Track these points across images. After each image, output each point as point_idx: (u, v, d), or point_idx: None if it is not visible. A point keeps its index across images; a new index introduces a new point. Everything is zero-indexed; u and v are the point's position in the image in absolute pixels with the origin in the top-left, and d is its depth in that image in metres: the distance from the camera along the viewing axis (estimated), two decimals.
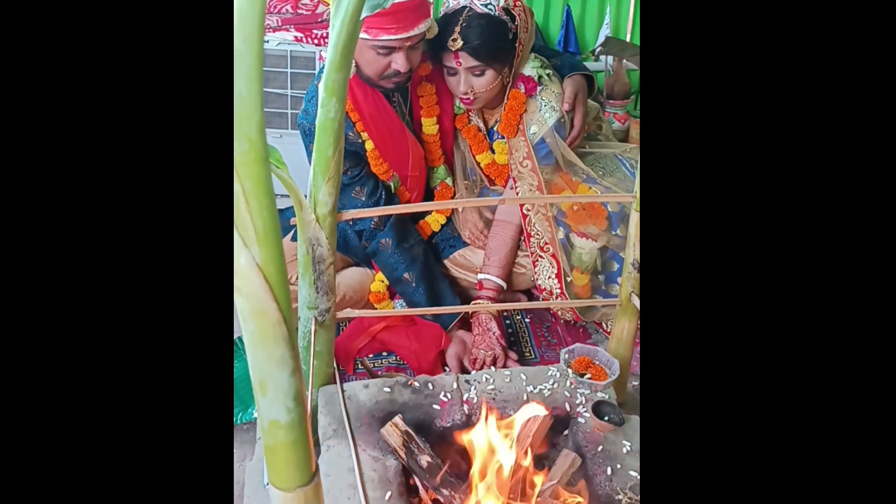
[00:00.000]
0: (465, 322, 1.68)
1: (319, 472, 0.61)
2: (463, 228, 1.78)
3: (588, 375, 1.23)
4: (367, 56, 1.48)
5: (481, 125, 1.73)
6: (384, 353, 1.66)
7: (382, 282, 1.71)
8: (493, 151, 1.73)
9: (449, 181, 1.77)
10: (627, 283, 1.26)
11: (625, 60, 2.32)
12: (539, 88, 1.62)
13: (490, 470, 0.94)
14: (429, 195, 1.78)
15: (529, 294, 1.80)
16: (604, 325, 1.73)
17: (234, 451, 1.38)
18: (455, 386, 1.20)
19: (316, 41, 2.03)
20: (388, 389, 1.19)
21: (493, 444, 0.97)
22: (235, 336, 1.57)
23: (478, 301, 1.66)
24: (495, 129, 1.70)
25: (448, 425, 1.15)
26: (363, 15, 0.91)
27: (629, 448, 1.10)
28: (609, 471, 1.06)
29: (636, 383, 1.38)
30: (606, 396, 1.19)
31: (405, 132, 1.65)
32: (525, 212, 1.66)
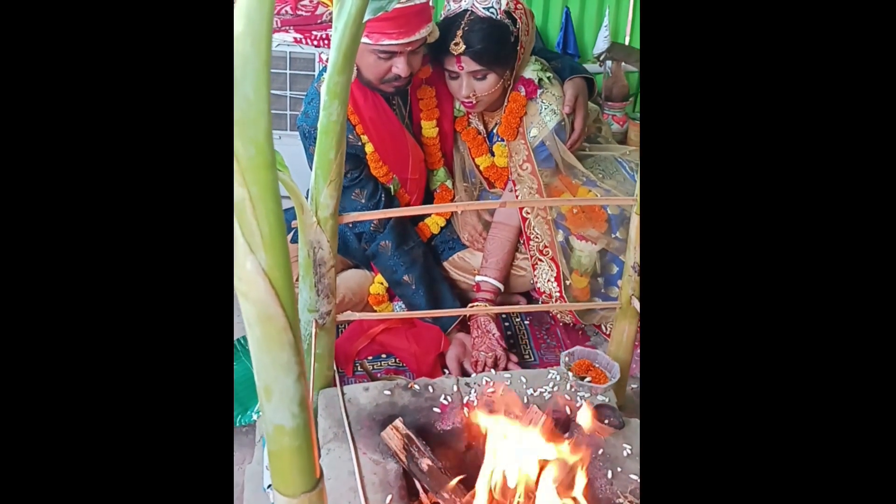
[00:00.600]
0: (465, 324, 1.68)
1: (324, 477, 0.61)
2: (462, 231, 1.78)
3: (588, 378, 1.23)
4: (368, 60, 1.48)
5: (481, 128, 1.73)
6: (383, 356, 1.66)
7: (382, 284, 1.71)
8: (492, 154, 1.73)
9: (448, 184, 1.77)
10: (628, 286, 1.26)
11: (623, 62, 2.32)
12: (539, 91, 1.62)
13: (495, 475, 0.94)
14: (428, 198, 1.78)
15: (529, 296, 1.80)
16: (603, 328, 1.73)
17: (234, 453, 1.38)
18: (455, 389, 1.20)
19: (315, 42, 2.03)
20: (388, 392, 1.19)
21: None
22: (235, 338, 1.57)
23: (475, 303, 1.66)
24: (495, 131, 1.70)
25: (448, 428, 1.15)
26: (366, 18, 0.91)
27: (629, 451, 1.10)
28: (609, 474, 1.06)
29: (636, 386, 1.38)
30: (607, 399, 1.18)
31: (405, 135, 1.65)
32: (525, 215, 1.66)
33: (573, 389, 1.20)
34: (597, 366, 1.27)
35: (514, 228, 1.68)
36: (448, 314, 1.62)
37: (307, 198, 1.06)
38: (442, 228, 1.79)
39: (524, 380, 1.22)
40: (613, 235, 1.61)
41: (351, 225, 1.66)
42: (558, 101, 1.62)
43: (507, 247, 1.68)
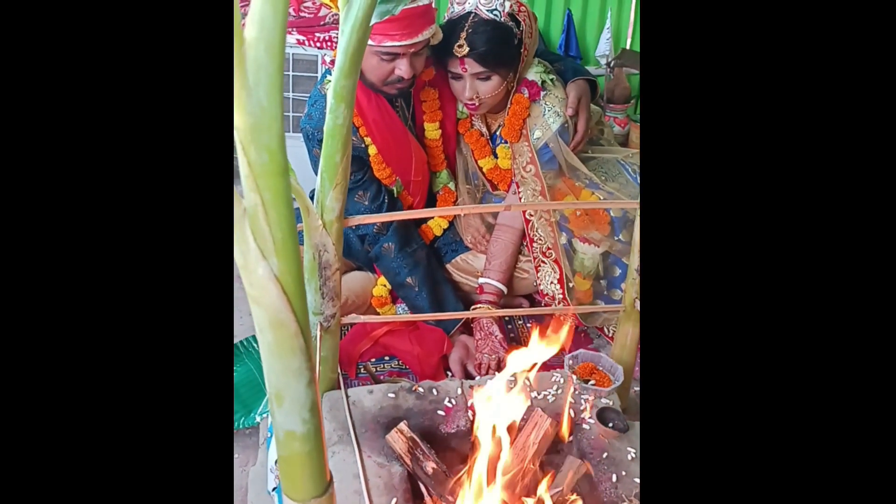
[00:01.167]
0: (468, 326, 1.68)
1: (333, 482, 0.61)
2: (465, 233, 1.78)
3: (592, 381, 1.24)
4: (371, 62, 1.48)
5: (484, 130, 1.73)
6: (386, 358, 1.66)
7: (385, 286, 1.71)
8: (495, 156, 1.73)
9: (451, 186, 1.77)
10: (631, 289, 1.26)
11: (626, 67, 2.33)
12: (543, 93, 1.62)
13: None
14: (431, 200, 1.78)
15: (531, 299, 1.80)
16: (605, 331, 1.73)
17: (237, 456, 1.38)
18: (459, 392, 1.20)
19: (318, 44, 2.03)
20: (392, 395, 1.19)
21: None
22: (238, 340, 1.57)
23: (478, 305, 1.66)
24: (498, 133, 1.70)
25: (453, 431, 1.15)
26: (373, 21, 0.91)
27: (634, 454, 1.10)
28: (614, 477, 1.07)
29: (639, 389, 1.38)
30: (610, 403, 1.19)
31: (408, 137, 1.65)
32: (528, 217, 1.66)
33: (577, 392, 1.20)
34: (600, 369, 1.27)
35: (517, 231, 1.68)
36: (451, 317, 1.62)
37: (311, 200, 1.06)
38: (445, 230, 1.79)
39: (527, 381, 1.22)
40: (616, 238, 1.61)
41: (354, 227, 1.66)
42: (561, 104, 1.62)
43: (510, 249, 1.68)
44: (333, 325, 1.15)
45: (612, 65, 2.33)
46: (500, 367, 1.57)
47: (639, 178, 1.69)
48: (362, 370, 1.61)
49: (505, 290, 1.68)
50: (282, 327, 0.53)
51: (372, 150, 1.62)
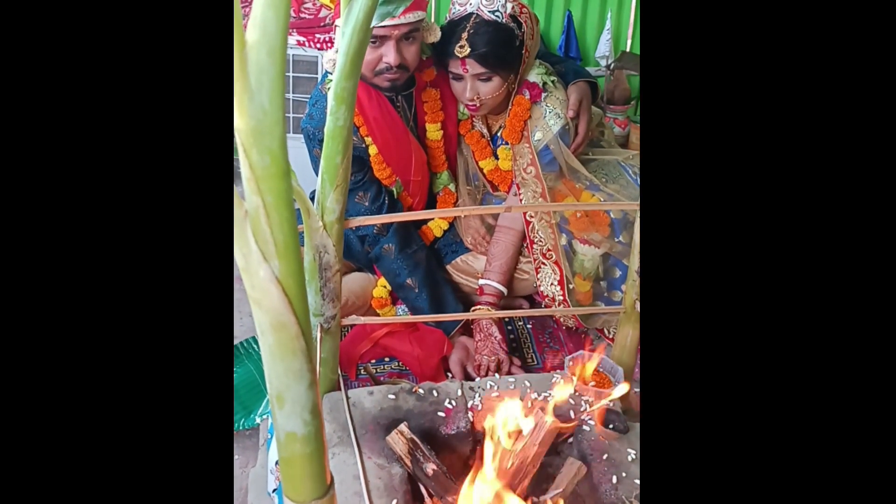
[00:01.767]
0: (468, 328, 1.68)
1: (334, 484, 0.61)
2: (465, 234, 1.78)
3: (592, 383, 1.24)
4: None
5: (485, 131, 1.73)
6: (386, 359, 1.66)
7: (385, 287, 1.71)
8: (496, 157, 1.73)
9: (451, 187, 1.77)
10: (632, 291, 1.26)
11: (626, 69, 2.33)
12: (544, 95, 1.62)
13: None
14: (431, 200, 1.78)
15: (532, 300, 1.80)
16: (605, 332, 1.73)
17: (238, 457, 1.38)
18: (459, 393, 1.20)
19: (318, 45, 2.03)
20: (392, 396, 1.19)
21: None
22: (239, 341, 1.57)
23: (478, 306, 1.66)
24: (499, 134, 1.71)
25: (453, 432, 1.15)
26: (374, 23, 0.91)
27: (634, 456, 1.10)
28: (615, 479, 1.06)
29: (640, 390, 1.39)
30: (611, 404, 1.19)
31: (409, 137, 1.65)
32: (528, 218, 1.66)
33: (577, 394, 1.20)
34: (601, 370, 1.27)
35: (517, 232, 1.68)
36: (452, 318, 1.62)
37: (312, 201, 1.06)
38: (445, 232, 1.79)
39: (528, 384, 1.22)
40: (616, 239, 1.61)
41: (354, 228, 1.66)
42: (562, 105, 1.62)
43: (510, 250, 1.68)
44: (334, 327, 1.15)
45: (611, 67, 2.33)
46: (499, 368, 1.57)
47: (639, 180, 1.69)
48: (362, 371, 1.61)
49: (505, 291, 1.68)
50: (283, 329, 0.53)
51: (372, 149, 1.62)
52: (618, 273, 1.66)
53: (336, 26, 1.63)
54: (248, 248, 0.51)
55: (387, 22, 1.40)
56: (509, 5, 1.52)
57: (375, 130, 1.60)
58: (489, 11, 1.50)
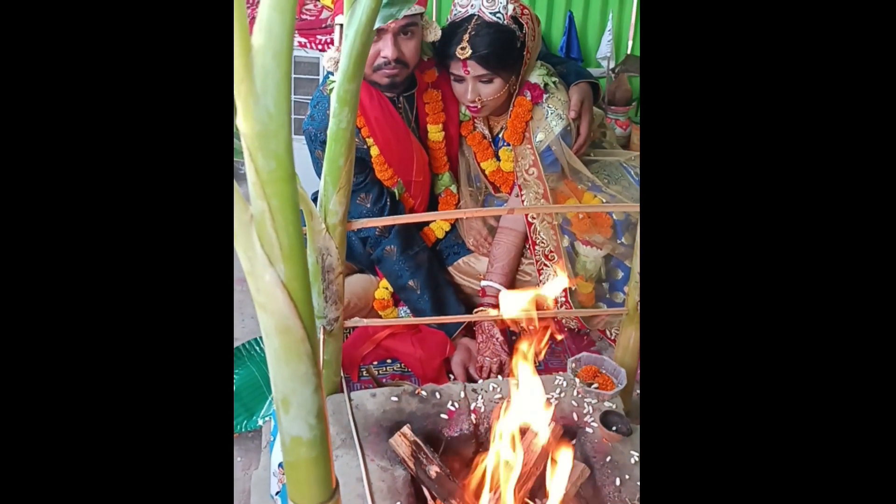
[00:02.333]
0: (470, 329, 1.68)
1: (339, 487, 0.61)
2: (467, 236, 1.78)
3: (595, 385, 1.23)
4: None
5: (486, 132, 1.73)
6: (389, 361, 1.66)
7: (387, 289, 1.71)
8: (498, 159, 1.73)
9: (453, 188, 1.77)
10: (634, 292, 1.26)
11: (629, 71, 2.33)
12: (545, 96, 1.62)
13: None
14: (433, 202, 1.78)
15: None
16: (608, 333, 1.73)
17: (240, 459, 1.38)
18: (462, 395, 1.20)
19: (320, 47, 2.03)
20: (395, 398, 1.19)
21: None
22: (241, 343, 1.57)
23: (480, 308, 1.66)
24: (501, 136, 1.70)
25: (456, 435, 1.15)
26: (376, 25, 0.91)
27: (637, 458, 1.10)
28: (618, 481, 1.06)
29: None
30: (614, 406, 1.18)
31: (410, 138, 1.65)
32: (530, 220, 1.66)
33: (580, 396, 1.20)
34: (603, 372, 1.27)
35: (519, 234, 1.68)
36: (454, 320, 1.62)
37: (314, 203, 1.06)
38: (447, 233, 1.79)
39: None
40: (619, 241, 1.61)
41: (356, 229, 1.66)
42: (564, 106, 1.62)
43: (512, 252, 1.68)
44: (336, 329, 1.15)
45: (616, 71, 2.33)
46: (501, 370, 1.57)
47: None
48: (364, 373, 1.61)
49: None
50: (288, 333, 0.53)
51: (374, 151, 1.62)
52: (620, 274, 1.66)
53: (336, 25, 1.62)
54: (254, 252, 0.51)
55: None
56: (510, 7, 1.52)
57: (377, 131, 1.60)
58: (490, 13, 1.50)
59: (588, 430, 1.15)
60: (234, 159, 0.52)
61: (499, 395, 1.19)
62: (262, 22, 0.46)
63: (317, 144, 1.59)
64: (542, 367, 1.67)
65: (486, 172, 1.75)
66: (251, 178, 0.49)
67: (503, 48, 1.50)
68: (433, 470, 1.03)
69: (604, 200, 1.61)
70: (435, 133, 1.68)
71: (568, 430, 1.15)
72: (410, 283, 1.64)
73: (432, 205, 1.78)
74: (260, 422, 1.41)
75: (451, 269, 1.78)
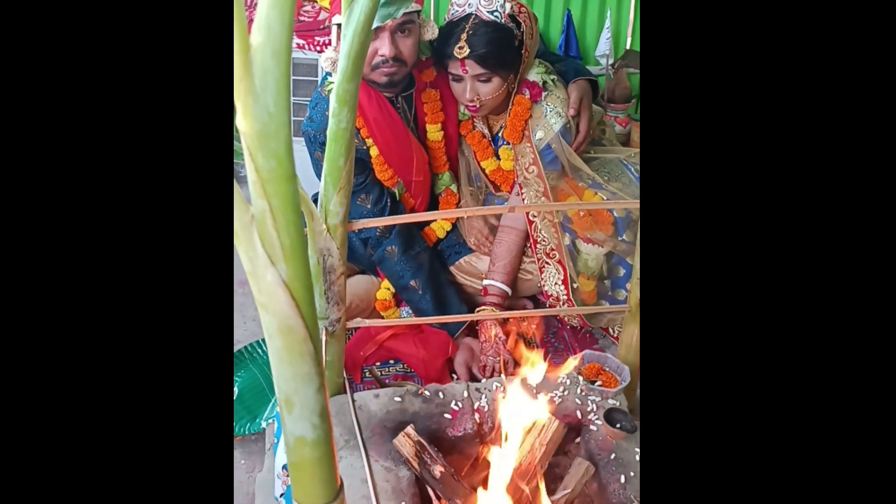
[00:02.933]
0: (473, 329, 1.68)
1: (344, 488, 0.60)
2: (468, 235, 1.78)
3: (599, 382, 1.23)
4: None
5: (486, 131, 1.73)
6: (391, 361, 1.66)
7: (388, 289, 1.71)
8: (498, 157, 1.73)
9: (453, 188, 1.77)
10: (636, 289, 1.26)
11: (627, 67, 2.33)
12: (544, 94, 1.62)
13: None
14: (433, 201, 1.78)
15: (536, 300, 1.80)
16: (610, 331, 1.73)
17: (244, 462, 1.37)
18: (466, 395, 1.20)
19: (318, 48, 2.02)
20: (398, 399, 1.18)
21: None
22: (243, 346, 1.57)
23: (483, 307, 1.65)
24: (500, 135, 1.70)
25: (460, 434, 1.15)
26: (375, 25, 0.91)
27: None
28: (623, 479, 1.06)
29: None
30: (617, 403, 1.18)
31: (410, 137, 1.65)
32: (531, 218, 1.65)
33: (584, 393, 1.20)
34: (607, 369, 1.27)
35: (520, 232, 1.68)
36: (456, 320, 1.62)
37: (315, 204, 1.06)
38: (448, 233, 1.79)
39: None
40: (620, 238, 1.61)
41: (357, 230, 1.66)
42: (563, 104, 1.62)
43: (514, 251, 1.68)
44: (339, 330, 1.15)
45: (615, 66, 2.33)
46: (504, 369, 1.57)
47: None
48: (367, 374, 1.60)
49: (509, 291, 1.68)
50: (291, 333, 0.52)
51: (373, 151, 1.62)
52: (622, 272, 1.66)
53: (333, 25, 1.62)
54: (255, 252, 0.51)
55: None
56: (508, 5, 1.51)
57: (376, 131, 1.60)
58: (488, 12, 1.50)
59: (592, 427, 1.14)
60: (235, 161, 0.51)
61: (502, 395, 1.19)
62: (260, 20, 0.46)
63: (316, 146, 1.59)
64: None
65: (487, 171, 1.75)
66: (251, 178, 0.49)
67: (501, 47, 1.50)
68: (437, 470, 1.02)
69: (604, 198, 1.61)
70: (434, 132, 1.68)
71: (572, 428, 1.15)
72: (412, 283, 1.64)
73: (433, 204, 1.77)
74: (263, 424, 1.40)
75: (452, 268, 1.77)
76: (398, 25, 1.45)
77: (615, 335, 1.70)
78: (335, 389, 1.21)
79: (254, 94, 0.46)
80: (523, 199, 1.65)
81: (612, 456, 1.10)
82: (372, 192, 1.63)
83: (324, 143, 1.02)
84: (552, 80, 1.63)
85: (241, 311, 1.73)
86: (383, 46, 1.46)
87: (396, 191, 1.68)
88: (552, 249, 1.65)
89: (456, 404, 1.17)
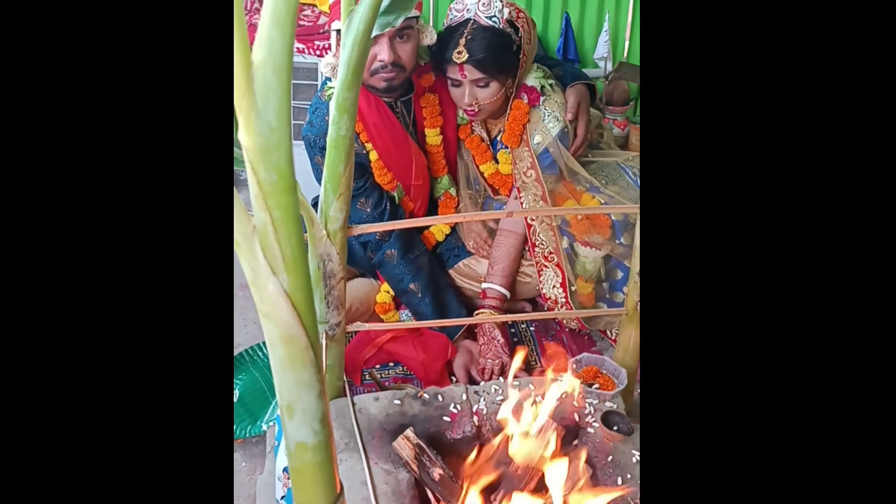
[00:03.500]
0: (472, 332, 1.69)
1: (344, 491, 0.62)
2: (467, 238, 1.79)
3: (596, 385, 1.24)
4: None
5: (484, 135, 1.74)
6: (391, 364, 1.67)
7: (388, 293, 1.72)
8: (496, 161, 1.74)
9: (452, 191, 1.78)
10: (634, 292, 1.27)
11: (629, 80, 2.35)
12: (542, 98, 1.63)
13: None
14: (432, 205, 1.79)
15: (534, 303, 1.81)
16: (608, 333, 1.74)
17: (245, 464, 1.39)
18: (464, 397, 1.21)
19: (318, 52, 2.04)
20: (398, 402, 1.20)
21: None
22: (244, 348, 1.58)
23: (481, 310, 1.67)
24: (499, 139, 1.71)
25: (459, 437, 1.16)
26: (374, 33, 0.92)
27: (639, 458, 1.11)
28: (619, 481, 1.07)
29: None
30: (615, 406, 1.19)
31: (409, 142, 1.66)
32: (529, 221, 1.67)
33: (581, 396, 1.21)
34: (604, 372, 1.28)
35: (519, 235, 1.69)
36: (455, 323, 1.63)
37: (314, 209, 1.07)
38: (447, 236, 1.80)
39: (532, 387, 1.23)
40: (618, 241, 1.62)
41: (356, 234, 1.67)
42: (561, 108, 1.63)
43: (512, 254, 1.69)
44: (339, 334, 1.16)
45: (609, 78, 2.35)
46: (503, 372, 1.58)
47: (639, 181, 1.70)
48: (367, 377, 1.61)
49: (508, 294, 1.69)
50: (292, 341, 0.54)
51: (373, 155, 1.63)
52: (619, 275, 1.67)
53: (333, 31, 1.63)
54: (257, 262, 0.52)
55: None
56: (506, 10, 1.53)
57: (375, 136, 1.61)
58: (486, 17, 1.51)
59: (589, 430, 1.15)
60: (234, 168, 0.52)
61: (500, 397, 1.20)
62: (262, 38, 0.47)
63: (316, 150, 1.60)
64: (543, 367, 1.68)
65: (485, 175, 1.76)
66: (253, 191, 0.50)
67: (499, 52, 1.51)
68: (437, 472, 1.04)
69: (602, 201, 1.62)
70: (433, 137, 1.69)
71: (570, 431, 1.16)
72: (411, 286, 1.65)
73: (432, 208, 1.79)
74: (264, 427, 1.42)
75: (451, 271, 1.79)
76: (397, 31, 1.46)
77: (613, 338, 1.72)
78: (335, 392, 1.22)
79: (256, 110, 0.48)
80: (521, 203, 1.67)
81: (610, 458, 1.11)
82: (371, 196, 1.65)
83: (324, 148, 1.03)
84: (550, 85, 1.64)
85: (241, 314, 1.74)
86: (382, 52, 1.47)
87: (396, 194, 1.69)
88: (550, 253, 1.66)
89: (455, 407, 1.19)
